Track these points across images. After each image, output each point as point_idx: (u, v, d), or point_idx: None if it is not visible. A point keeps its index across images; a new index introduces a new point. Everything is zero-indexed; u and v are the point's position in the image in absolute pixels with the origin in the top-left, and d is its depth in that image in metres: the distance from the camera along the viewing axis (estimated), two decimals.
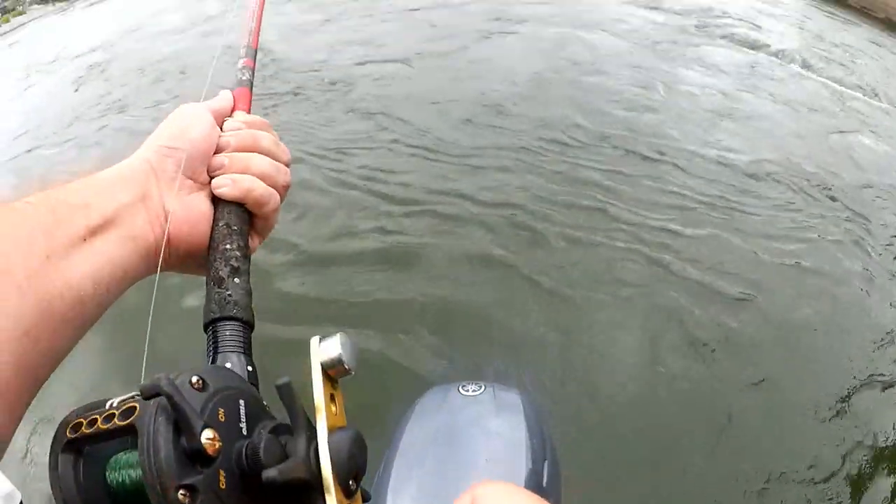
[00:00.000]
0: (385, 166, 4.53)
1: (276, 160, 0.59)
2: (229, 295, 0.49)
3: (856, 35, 13.08)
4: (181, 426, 0.34)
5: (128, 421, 0.35)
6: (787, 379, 2.89)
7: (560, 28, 8.48)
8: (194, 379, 0.38)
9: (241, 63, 0.73)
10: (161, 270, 0.51)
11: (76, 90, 8.70)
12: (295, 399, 0.38)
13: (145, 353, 0.47)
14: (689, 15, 10.53)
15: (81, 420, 0.37)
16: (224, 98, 0.63)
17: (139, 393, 0.36)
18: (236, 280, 0.50)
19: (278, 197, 0.59)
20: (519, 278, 3.33)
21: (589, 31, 8.42)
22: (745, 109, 5.94)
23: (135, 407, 0.36)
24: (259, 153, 0.58)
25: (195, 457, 0.35)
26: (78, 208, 0.45)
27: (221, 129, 0.60)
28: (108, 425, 0.36)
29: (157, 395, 0.35)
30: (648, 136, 5.05)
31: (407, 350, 2.86)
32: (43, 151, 5.67)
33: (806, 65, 8.29)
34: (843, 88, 7.62)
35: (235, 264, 0.51)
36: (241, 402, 0.39)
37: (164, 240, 0.49)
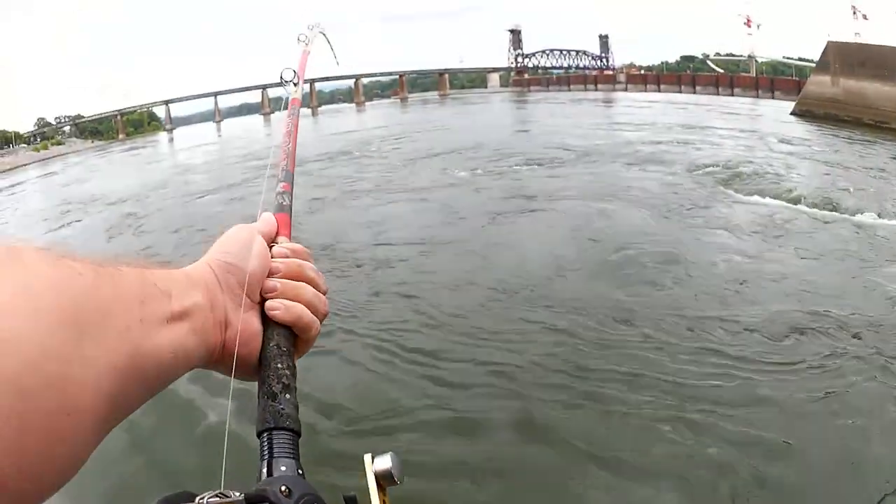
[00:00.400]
0: (419, 346, 4.72)
1: (318, 289, 0.65)
2: (282, 408, 0.54)
3: (877, 155, 13.18)
4: None
5: None
6: None
7: (573, 202, 8.78)
8: (283, 487, 0.45)
9: (279, 187, 0.77)
10: (214, 369, 0.58)
11: (110, 238, 9.33)
12: None
13: (224, 452, 0.54)
14: (701, 170, 10.87)
15: None
16: (269, 222, 0.70)
17: (228, 494, 0.41)
18: (287, 396, 0.56)
19: (319, 324, 0.65)
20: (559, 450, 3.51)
21: (602, 202, 8.68)
22: (770, 270, 5.84)
23: None
24: (305, 282, 0.64)
25: None
26: (163, 294, 0.50)
27: (270, 252, 0.66)
28: None
29: (263, 500, 0.43)
30: (673, 311, 4.98)
31: None
32: None
33: (829, 204, 8.26)
34: (873, 220, 7.54)
35: (286, 381, 0.57)
36: None
37: (235, 351, 0.56)
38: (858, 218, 7.69)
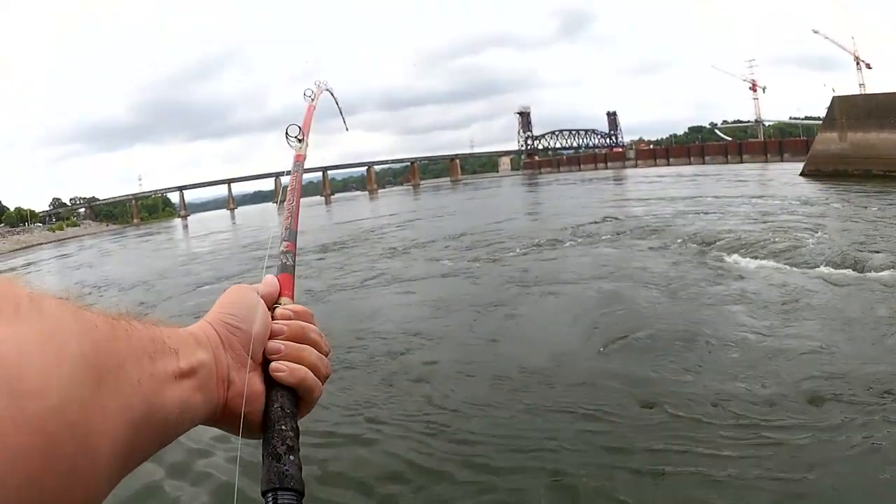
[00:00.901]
0: (440, 431, 4.64)
1: (321, 351, 0.66)
2: (287, 469, 0.55)
3: (892, 206, 12.86)
4: None
5: None
6: None
7: (579, 285, 8.55)
8: None
9: (283, 246, 0.77)
10: (214, 426, 0.59)
11: None
12: None
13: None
14: (711, 242, 10.59)
15: None
16: (271, 284, 0.70)
17: None
18: (291, 457, 0.56)
19: (322, 386, 0.65)
20: None
21: (610, 282, 8.44)
22: (793, 341, 5.52)
23: None
24: (308, 344, 0.65)
25: None
26: (171, 350, 0.51)
27: (272, 314, 0.66)
28: None
29: None
30: (695, 389, 4.75)
31: None
32: None
33: (849, 265, 7.99)
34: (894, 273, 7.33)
35: (290, 443, 0.58)
36: None
37: (242, 411, 0.57)
38: (882, 275, 7.37)
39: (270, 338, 0.64)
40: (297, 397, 0.63)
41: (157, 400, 0.47)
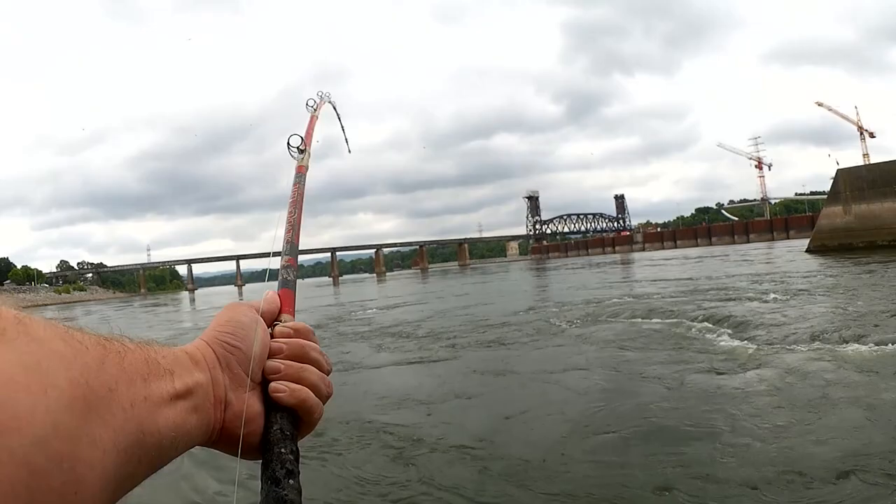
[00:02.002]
0: None
1: (322, 370, 0.64)
2: (286, 494, 0.53)
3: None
4: None
5: None
6: None
7: (580, 372, 8.18)
8: None
9: (283, 261, 0.74)
10: (211, 447, 0.57)
11: None
12: None
13: None
14: (719, 324, 10.25)
15: None
16: (272, 301, 0.67)
17: None
18: (291, 481, 0.55)
19: (322, 407, 0.63)
20: None
21: (613, 372, 8.09)
22: (819, 424, 5.26)
23: None
24: (308, 363, 0.63)
25: None
26: (165, 371, 0.49)
27: (271, 332, 0.64)
28: None
29: None
30: (713, 479, 4.45)
31: None
32: None
33: (862, 340, 7.64)
34: None
35: (290, 467, 0.56)
36: None
37: (241, 433, 0.56)
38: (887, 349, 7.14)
39: (269, 356, 0.62)
40: (298, 418, 0.61)
41: (151, 424, 0.45)
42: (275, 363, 0.61)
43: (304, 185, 0.84)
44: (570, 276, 30.84)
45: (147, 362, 0.48)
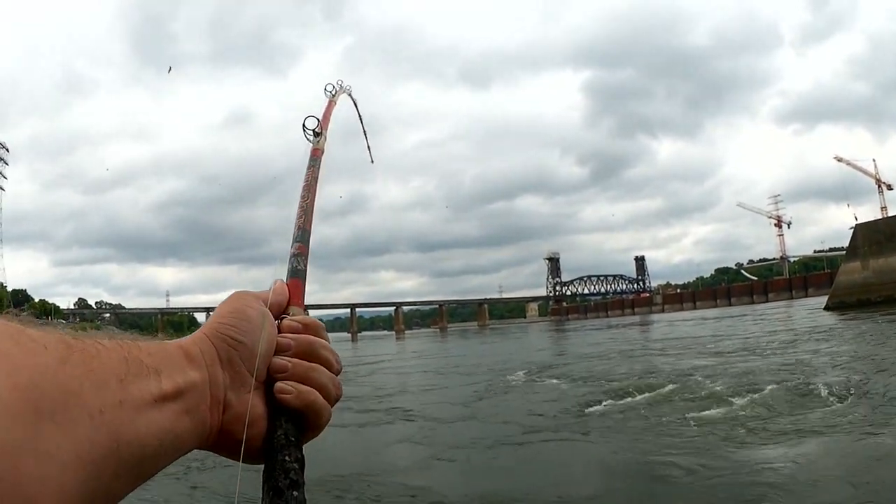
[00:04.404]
0: None
1: (332, 371, 0.59)
2: None
3: None
4: None
5: None
6: None
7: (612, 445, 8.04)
8: None
9: (293, 248, 0.69)
10: (209, 450, 0.52)
11: None
12: None
13: None
14: (739, 390, 9.79)
15: None
16: (280, 292, 0.63)
17: None
18: (294, 493, 0.51)
19: (331, 410, 0.58)
20: None
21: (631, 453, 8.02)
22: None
23: None
24: (318, 362, 0.58)
25: None
26: (150, 370, 0.45)
27: (279, 325, 0.59)
28: None
29: None
30: None
31: None
32: None
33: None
34: None
35: (294, 477, 0.52)
36: None
37: (244, 435, 0.51)
38: None
39: (276, 353, 0.57)
40: (304, 422, 0.56)
41: (129, 431, 0.41)
42: (281, 361, 0.56)
43: (318, 169, 0.81)
44: (588, 338, 30.24)
45: (126, 361, 0.43)
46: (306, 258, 0.69)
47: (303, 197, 0.75)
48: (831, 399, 7.95)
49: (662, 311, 44.51)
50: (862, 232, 25.80)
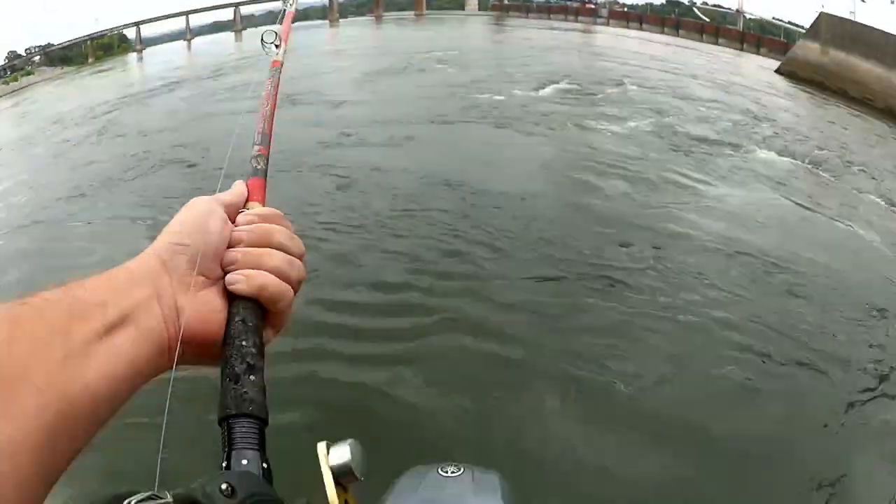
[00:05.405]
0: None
1: (290, 254, 0.58)
2: (245, 392, 0.49)
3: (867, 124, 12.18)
4: None
5: None
6: None
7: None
8: (224, 486, 0.38)
9: (255, 150, 0.71)
10: (175, 367, 0.51)
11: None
12: None
13: (160, 451, 0.48)
14: (672, 121, 9.45)
15: None
16: (237, 190, 0.63)
17: (161, 496, 0.36)
18: (252, 377, 0.50)
19: (291, 293, 0.57)
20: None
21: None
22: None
23: None
24: (273, 248, 0.57)
25: None
26: (95, 306, 0.44)
27: (235, 222, 0.59)
28: None
29: (192, 502, 0.36)
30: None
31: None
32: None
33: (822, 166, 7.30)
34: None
35: (251, 361, 0.51)
36: None
37: (179, 338, 0.50)
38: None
39: (229, 248, 0.56)
40: (263, 310, 0.55)
41: (78, 384, 0.40)
42: (233, 253, 0.55)
43: (278, 79, 0.83)
44: (529, 34, 29.38)
45: (69, 310, 0.42)
46: (267, 160, 0.70)
47: (263, 105, 0.77)
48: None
49: (607, 24, 42.78)
50: (826, 21, 24.58)
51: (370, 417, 3.20)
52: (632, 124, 8.38)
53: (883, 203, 6.48)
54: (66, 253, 5.08)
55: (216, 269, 0.54)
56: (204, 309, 0.52)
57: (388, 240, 4.67)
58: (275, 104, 0.78)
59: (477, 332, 3.84)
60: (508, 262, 4.48)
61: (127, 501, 0.36)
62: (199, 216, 0.55)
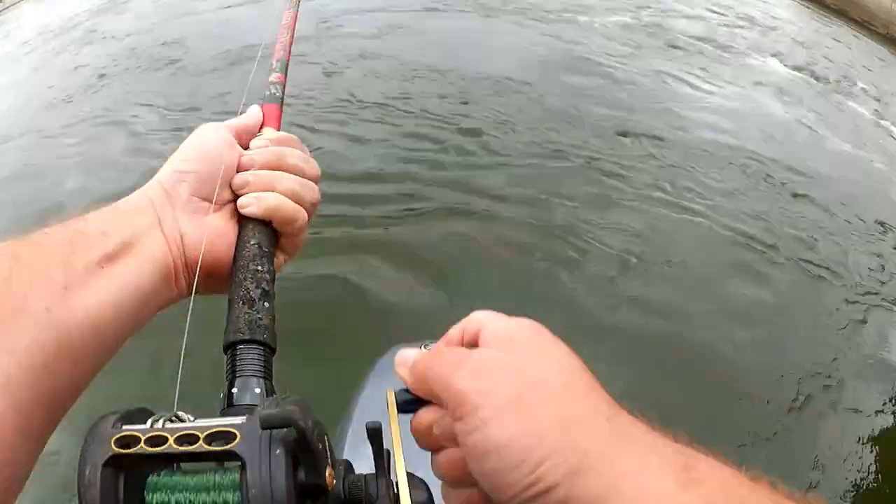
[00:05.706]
0: None
1: (304, 177, 0.56)
2: (260, 318, 0.46)
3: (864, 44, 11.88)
4: (302, 461, 0.34)
5: (228, 447, 0.34)
6: None
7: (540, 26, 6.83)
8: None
9: (272, 77, 0.68)
10: (191, 293, 0.50)
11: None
12: (381, 443, 0.39)
13: (179, 373, 0.45)
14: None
15: (136, 435, 0.34)
16: (251, 115, 0.60)
17: (183, 417, 0.35)
18: (266, 304, 0.48)
19: (305, 215, 0.55)
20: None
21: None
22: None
23: (230, 433, 0.34)
24: (286, 171, 0.55)
25: (310, 492, 0.35)
26: (95, 237, 0.43)
27: (248, 146, 0.57)
28: (188, 447, 0.34)
29: (282, 426, 0.33)
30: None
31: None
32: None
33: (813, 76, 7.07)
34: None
35: (266, 287, 0.49)
36: (326, 437, 0.38)
37: (199, 264, 0.48)
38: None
39: (239, 171, 0.54)
40: (276, 234, 0.53)
41: (78, 313, 0.39)
42: (243, 176, 0.53)
43: (297, 8, 0.79)
44: None
45: (70, 241, 0.41)
46: (283, 87, 0.68)
47: (282, 33, 0.74)
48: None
49: None
50: None
51: (358, 302, 2.99)
52: (629, 21, 7.89)
53: (889, 124, 6.33)
54: (51, 157, 4.65)
55: (224, 194, 0.52)
56: (211, 234, 0.49)
57: (381, 127, 4.30)
58: (293, 33, 0.75)
59: (471, 217, 3.61)
60: (509, 146, 4.19)
61: (153, 419, 0.35)
62: (204, 141, 0.53)
